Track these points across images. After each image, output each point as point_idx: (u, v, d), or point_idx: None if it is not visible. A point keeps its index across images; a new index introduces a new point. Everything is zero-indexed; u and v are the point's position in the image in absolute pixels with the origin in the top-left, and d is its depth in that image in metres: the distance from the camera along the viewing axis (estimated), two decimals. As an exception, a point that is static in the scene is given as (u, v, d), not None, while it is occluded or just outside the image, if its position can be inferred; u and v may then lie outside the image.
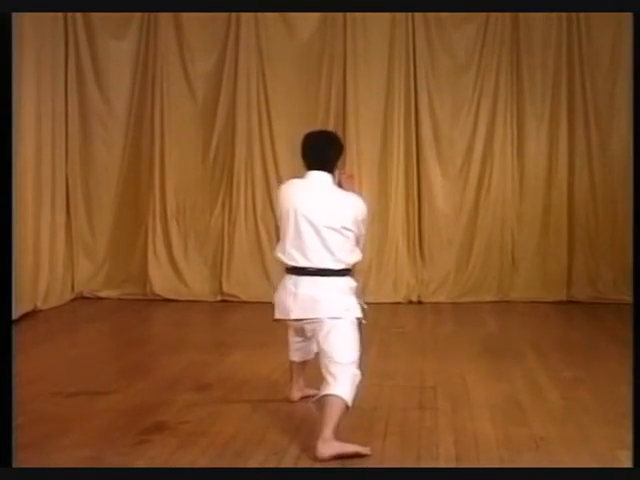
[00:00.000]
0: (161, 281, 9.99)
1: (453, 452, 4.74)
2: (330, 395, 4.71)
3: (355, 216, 4.97)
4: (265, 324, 8.60)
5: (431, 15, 9.77)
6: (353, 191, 5.11)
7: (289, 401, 5.61)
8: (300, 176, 5.12)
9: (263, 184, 9.96)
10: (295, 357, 5.65)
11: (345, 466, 4.52)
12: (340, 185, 5.09)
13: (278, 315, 5.19)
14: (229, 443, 4.88)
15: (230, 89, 9.94)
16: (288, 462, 4.59)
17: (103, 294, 10.03)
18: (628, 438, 4.43)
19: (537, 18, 9.71)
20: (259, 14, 9.77)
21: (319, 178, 5.01)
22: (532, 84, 9.85)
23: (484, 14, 9.74)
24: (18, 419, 5.23)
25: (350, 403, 4.73)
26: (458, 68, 9.91)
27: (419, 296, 9.91)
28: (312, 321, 5.00)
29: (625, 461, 4.45)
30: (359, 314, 5.03)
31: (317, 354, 5.07)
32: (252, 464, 4.55)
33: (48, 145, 9.32)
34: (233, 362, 6.91)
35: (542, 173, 9.91)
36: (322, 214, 4.92)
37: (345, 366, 4.81)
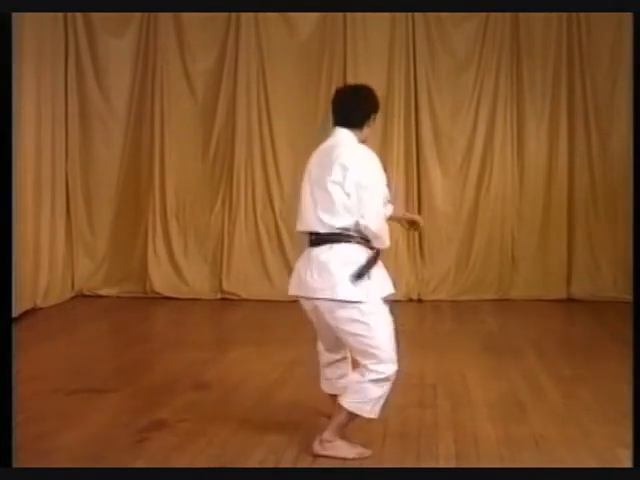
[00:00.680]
0: (161, 279, 9.99)
1: (453, 450, 4.74)
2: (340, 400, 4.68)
3: (351, 177, 4.51)
4: (265, 322, 8.69)
5: (431, 14, 9.76)
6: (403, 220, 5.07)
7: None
8: None
9: (263, 182, 9.96)
10: (324, 386, 5.12)
11: (345, 466, 4.52)
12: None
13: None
14: (228, 442, 4.89)
15: (230, 88, 9.94)
16: (287, 461, 4.59)
17: (103, 292, 10.03)
18: (628, 437, 4.44)
19: (537, 17, 9.70)
20: (259, 13, 9.76)
21: (340, 135, 4.71)
22: (532, 83, 9.84)
23: (484, 13, 9.74)
24: (18, 417, 5.23)
25: (361, 413, 4.65)
26: (458, 67, 9.90)
27: (419, 294, 9.91)
28: (303, 299, 4.72)
29: (625, 460, 4.45)
30: (352, 294, 4.52)
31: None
32: (251, 463, 4.55)
33: (48, 143, 9.32)
34: (233, 360, 6.92)
35: (542, 172, 9.90)
36: (317, 170, 4.66)
37: (362, 370, 4.59)
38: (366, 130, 4.81)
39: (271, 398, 5.77)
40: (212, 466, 4.51)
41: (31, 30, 8.81)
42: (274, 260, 9.95)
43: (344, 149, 4.62)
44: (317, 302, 4.58)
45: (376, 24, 9.75)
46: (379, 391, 4.60)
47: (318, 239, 4.60)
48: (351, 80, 9.74)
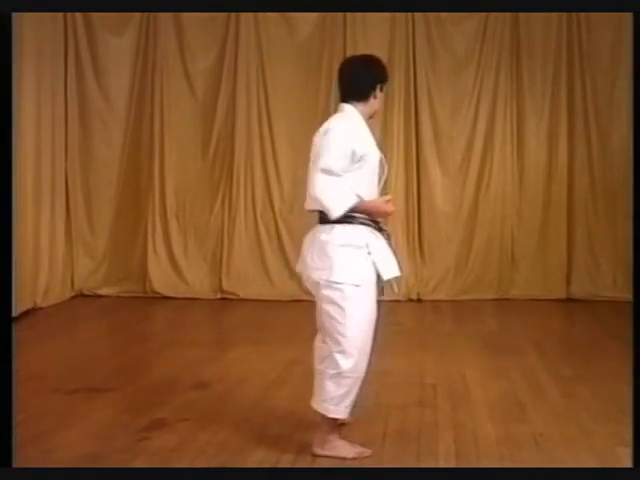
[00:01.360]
0: (161, 279, 9.99)
1: (453, 450, 4.74)
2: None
3: (317, 144, 4.49)
4: (265, 322, 8.69)
5: (431, 14, 9.76)
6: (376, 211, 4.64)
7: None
8: None
9: (263, 181, 9.96)
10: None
11: (345, 466, 4.52)
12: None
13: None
14: (228, 441, 4.89)
15: (230, 87, 9.94)
16: (286, 461, 4.59)
17: (102, 292, 10.03)
18: (628, 435, 4.43)
19: (537, 16, 9.69)
20: (259, 13, 9.75)
21: (340, 110, 4.65)
22: (532, 82, 9.84)
23: (484, 13, 9.73)
24: (18, 416, 5.23)
25: (326, 412, 4.59)
26: (458, 66, 9.89)
27: (418, 294, 9.90)
28: (305, 277, 4.66)
29: (625, 458, 4.45)
30: (338, 277, 4.44)
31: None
32: (251, 463, 4.55)
33: (48, 142, 9.32)
34: (232, 360, 6.92)
35: (542, 170, 9.90)
36: (313, 148, 4.57)
37: (327, 361, 4.53)
38: (373, 102, 4.69)
39: (271, 398, 5.78)
40: (212, 466, 4.51)
41: (31, 30, 8.80)
42: (274, 260, 9.95)
43: (327, 123, 4.58)
44: (314, 281, 4.55)
45: (376, 24, 9.74)
46: (338, 389, 4.53)
47: (322, 218, 4.55)
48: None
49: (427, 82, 9.89)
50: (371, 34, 9.81)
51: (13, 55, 8.36)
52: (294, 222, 9.62)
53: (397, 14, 9.75)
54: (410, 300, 9.81)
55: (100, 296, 9.97)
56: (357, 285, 4.46)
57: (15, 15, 8.02)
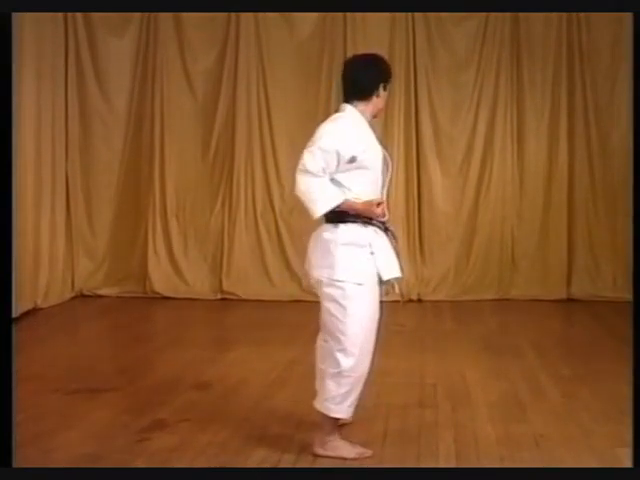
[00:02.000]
0: (161, 279, 9.99)
1: (453, 450, 4.75)
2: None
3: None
4: (265, 322, 8.68)
5: (431, 14, 9.76)
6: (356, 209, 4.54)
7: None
8: None
9: (263, 182, 9.96)
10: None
11: (345, 466, 4.52)
12: None
13: None
14: (228, 441, 4.89)
15: (230, 87, 9.94)
16: (287, 461, 4.59)
17: (103, 292, 10.03)
18: (628, 435, 4.43)
19: (537, 16, 9.69)
20: (259, 13, 9.75)
21: (341, 111, 4.68)
22: (532, 82, 9.84)
23: (484, 13, 9.74)
24: (18, 416, 5.23)
25: (327, 412, 4.60)
26: (458, 66, 9.89)
27: (419, 294, 9.90)
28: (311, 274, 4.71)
29: (625, 459, 4.45)
30: (340, 275, 4.47)
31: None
32: (251, 463, 4.55)
33: (48, 143, 9.32)
34: (233, 360, 6.92)
35: (542, 171, 9.90)
36: None
37: (330, 360, 4.55)
38: (376, 101, 4.69)
39: (271, 398, 5.78)
40: (212, 466, 4.51)
41: (31, 30, 8.81)
42: (274, 260, 9.95)
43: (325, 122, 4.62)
44: (317, 279, 4.57)
45: (376, 24, 9.74)
46: (339, 388, 4.53)
47: (327, 217, 4.56)
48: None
49: (427, 82, 9.89)
50: (371, 34, 9.80)
51: (13, 56, 8.37)
52: (294, 223, 9.62)
53: (397, 14, 9.75)
54: (410, 300, 9.80)
55: (100, 296, 9.96)
56: (359, 284, 4.46)
57: (15, 15, 8.01)
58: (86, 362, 6.88)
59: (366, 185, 4.57)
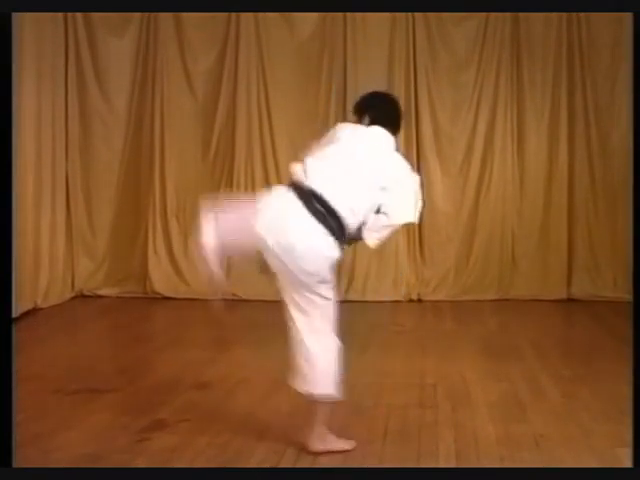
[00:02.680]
0: (161, 279, 9.99)
1: (453, 450, 4.75)
2: None
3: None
4: (265, 322, 8.67)
5: (431, 13, 9.76)
6: None
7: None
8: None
9: (263, 182, 9.94)
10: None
11: (345, 466, 4.53)
12: None
13: None
14: (229, 442, 4.89)
15: (230, 87, 9.94)
16: (288, 461, 4.59)
17: (103, 292, 10.03)
18: (628, 435, 4.43)
19: (537, 16, 9.69)
20: (259, 13, 9.76)
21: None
22: (532, 82, 9.83)
23: (484, 13, 9.74)
24: (18, 417, 5.23)
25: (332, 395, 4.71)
26: (458, 66, 9.89)
27: (419, 294, 9.90)
28: None
29: (625, 459, 4.46)
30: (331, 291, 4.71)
31: None
32: (252, 463, 4.56)
33: (48, 143, 9.32)
34: (233, 360, 6.92)
35: (542, 171, 9.89)
36: None
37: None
38: None
39: (272, 398, 5.78)
40: (212, 466, 4.51)
41: (31, 31, 8.79)
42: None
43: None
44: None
45: (376, 24, 9.75)
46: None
47: (332, 230, 4.61)
48: (351, 79, 9.78)
49: (427, 82, 9.89)
50: (371, 34, 9.80)
51: (14, 56, 8.37)
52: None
53: (397, 14, 9.75)
54: (411, 301, 9.81)
55: (100, 297, 9.97)
56: None
57: (15, 15, 8.02)
58: (86, 362, 6.88)
59: None
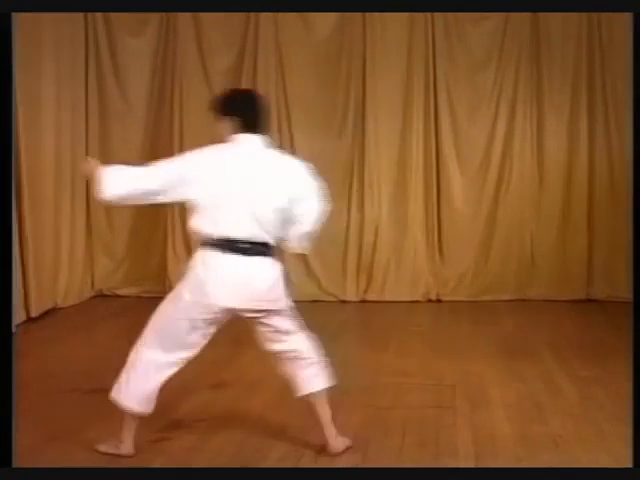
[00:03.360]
0: (180, 279, 9.98)
1: (472, 450, 4.74)
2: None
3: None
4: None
5: (450, 13, 9.74)
6: None
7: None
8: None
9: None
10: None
11: (364, 466, 4.52)
12: None
13: None
14: (246, 441, 4.91)
15: (249, 86, 9.92)
16: (307, 459, 4.60)
17: (122, 292, 10.06)
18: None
19: (557, 16, 9.65)
20: (277, 13, 9.76)
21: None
22: (552, 81, 9.79)
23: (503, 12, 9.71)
24: (35, 416, 5.28)
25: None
26: (477, 65, 9.86)
27: (437, 294, 9.89)
28: None
29: (643, 460, 4.43)
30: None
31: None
32: (270, 462, 4.57)
33: (68, 143, 9.35)
34: (249, 360, 6.89)
35: (562, 170, 9.85)
36: None
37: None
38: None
39: (288, 397, 5.75)
40: (230, 465, 4.52)
41: (51, 30, 8.83)
42: (295, 261, 9.95)
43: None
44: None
45: (395, 23, 9.73)
46: None
47: (269, 251, 4.91)
48: (369, 78, 9.77)
49: (446, 82, 9.87)
50: (390, 34, 9.79)
51: (33, 57, 8.44)
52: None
53: (415, 14, 9.73)
54: (429, 301, 9.80)
55: (120, 296, 9.99)
56: None
57: (35, 16, 8.10)
58: (105, 362, 6.86)
59: None
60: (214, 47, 9.99)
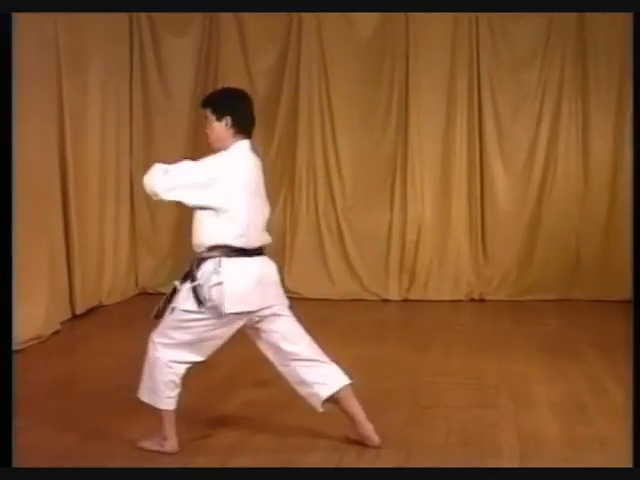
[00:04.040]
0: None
1: (517, 450, 4.71)
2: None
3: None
4: (325, 320, 8.68)
5: (494, 12, 9.68)
6: None
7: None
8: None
9: (325, 181, 9.96)
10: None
11: (408, 466, 4.51)
12: None
13: None
14: (288, 439, 4.91)
15: (292, 86, 9.96)
16: (349, 459, 4.59)
17: (166, 290, 10.04)
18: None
19: (603, 15, 9.51)
20: (320, 13, 9.76)
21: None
22: (597, 80, 9.70)
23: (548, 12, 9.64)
24: (83, 411, 5.33)
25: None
26: (522, 65, 9.80)
27: (480, 294, 9.84)
28: None
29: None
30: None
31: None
32: (312, 460, 4.56)
33: (112, 142, 9.43)
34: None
35: (607, 170, 9.76)
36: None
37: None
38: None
39: (332, 396, 5.77)
40: (272, 464, 4.52)
41: (99, 31, 8.92)
42: (337, 259, 9.95)
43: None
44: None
45: (438, 22, 9.69)
46: None
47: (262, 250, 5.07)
48: (412, 78, 9.75)
49: (490, 81, 9.81)
50: (433, 34, 9.76)
51: (80, 56, 8.53)
52: (355, 219, 9.71)
53: (459, 13, 9.69)
54: (472, 300, 9.76)
55: (163, 294, 9.99)
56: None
57: (82, 16, 8.18)
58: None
59: None
60: (257, 46, 10.02)
